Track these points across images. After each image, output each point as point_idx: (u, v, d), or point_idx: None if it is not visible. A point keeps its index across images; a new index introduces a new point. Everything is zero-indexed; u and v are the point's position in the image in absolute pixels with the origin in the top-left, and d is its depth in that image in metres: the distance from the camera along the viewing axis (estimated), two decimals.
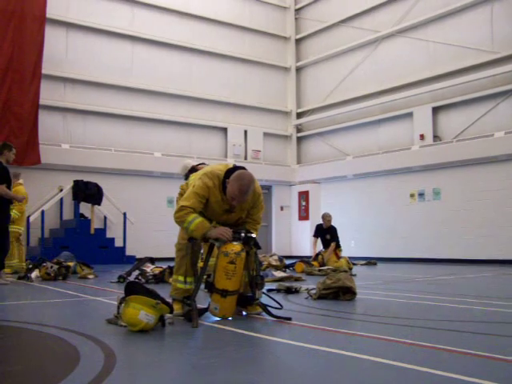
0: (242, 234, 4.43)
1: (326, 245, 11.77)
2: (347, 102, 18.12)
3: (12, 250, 9.45)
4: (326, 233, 11.84)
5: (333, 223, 12.05)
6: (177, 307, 4.49)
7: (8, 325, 4.35)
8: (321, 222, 12.16)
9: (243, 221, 4.70)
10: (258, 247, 4.58)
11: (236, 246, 4.31)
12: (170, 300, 4.31)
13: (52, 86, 15.22)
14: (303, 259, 11.51)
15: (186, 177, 8.16)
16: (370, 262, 14.12)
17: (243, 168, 4.54)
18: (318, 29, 19.34)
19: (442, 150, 14.81)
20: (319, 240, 11.99)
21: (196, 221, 4.31)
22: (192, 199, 4.39)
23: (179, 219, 4.37)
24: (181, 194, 7.82)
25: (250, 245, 4.48)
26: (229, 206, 4.49)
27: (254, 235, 4.51)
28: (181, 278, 4.60)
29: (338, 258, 11.36)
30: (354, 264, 12.12)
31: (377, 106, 17.14)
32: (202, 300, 5.23)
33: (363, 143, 17.56)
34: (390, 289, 7.20)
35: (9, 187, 7.89)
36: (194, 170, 7.95)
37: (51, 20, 15.03)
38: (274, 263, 10.88)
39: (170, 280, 7.71)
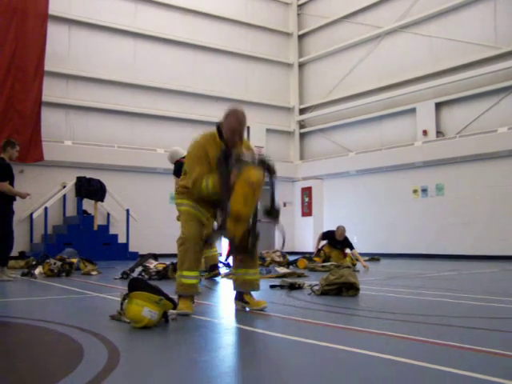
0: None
1: (337, 249, 11.46)
2: (350, 98, 18.10)
3: None
4: (339, 243, 11.39)
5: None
6: (183, 305, 4.43)
7: (12, 321, 4.37)
8: (330, 228, 11.88)
9: None
10: (274, 172, 4.62)
11: (257, 173, 4.38)
12: (174, 297, 4.30)
13: (55, 82, 15.23)
14: (306, 255, 11.48)
15: (175, 171, 8.36)
16: (374, 257, 14.11)
17: None
18: (320, 25, 19.31)
19: (445, 146, 14.78)
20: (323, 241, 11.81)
21: (210, 180, 4.46)
22: (195, 169, 4.54)
23: (198, 190, 4.52)
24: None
25: (271, 170, 4.57)
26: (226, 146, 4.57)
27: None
28: (185, 273, 4.55)
29: (344, 255, 11.30)
30: (357, 260, 12.09)
31: (379, 102, 17.11)
32: (205, 296, 5.24)
33: (366, 139, 17.53)
34: (393, 285, 7.20)
35: (12, 184, 7.91)
36: (179, 163, 8.19)
37: (53, 17, 15.03)
38: (277, 259, 10.88)
39: (175, 275, 7.74)
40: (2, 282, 7.66)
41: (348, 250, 11.47)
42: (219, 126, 4.58)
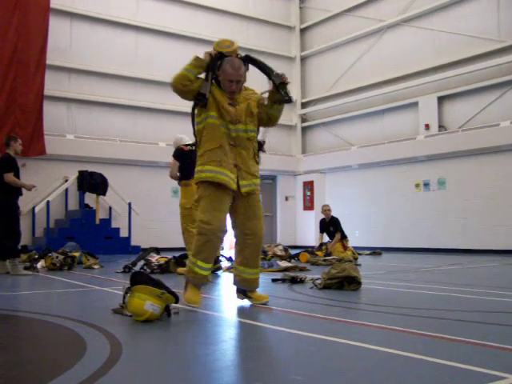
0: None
1: (331, 237, 11.71)
2: (352, 92, 18.06)
3: None
4: (329, 225, 11.77)
5: (338, 213, 12.02)
6: (191, 295, 4.37)
7: (14, 314, 4.38)
8: (323, 216, 12.09)
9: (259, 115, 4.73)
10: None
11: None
12: (176, 291, 4.29)
13: (56, 76, 15.23)
14: (308, 249, 11.51)
15: (175, 154, 8.36)
16: (375, 251, 14.13)
17: None
18: (322, 18, 19.24)
19: (447, 140, 14.76)
20: (325, 235, 11.95)
21: (189, 61, 4.50)
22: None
23: (176, 77, 4.49)
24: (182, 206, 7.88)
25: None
26: (230, 99, 4.53)
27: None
28: (200, 264, 4.42)
29: (345, 248, 11.34)
30: (358, 254, 12.12)
31: (382, 96, 17.07)
32: (207, 290, 5.26)
33: (368, 133, 17.51)
34: (395, 278, 7.21)
35: (17, 176, 7.94)
36: (180, 150, 8.23)
37: (55, 10, 15.01)
38: (278, 253, 10.92)
39: (178, 270, 7.78)
40: (19, 275, 7.72)
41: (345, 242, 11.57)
42: (216, 78, 4.57)
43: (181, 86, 4.47)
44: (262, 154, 4.95)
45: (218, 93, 4.53)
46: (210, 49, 4.66)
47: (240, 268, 4.71)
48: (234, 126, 4.50)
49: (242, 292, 4.78)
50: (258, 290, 4.84)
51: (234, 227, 4.75)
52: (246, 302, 4.75)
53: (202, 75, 4.57)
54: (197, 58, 4.51)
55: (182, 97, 4.58)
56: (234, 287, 4.89)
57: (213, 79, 4.52)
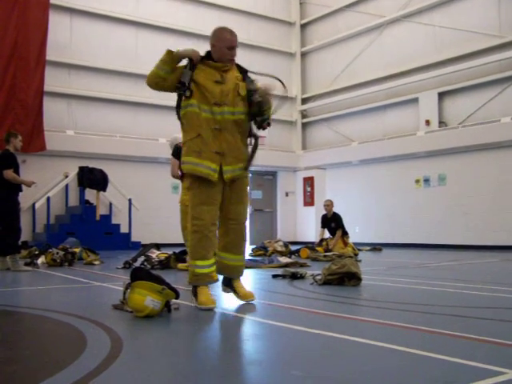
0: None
1: (332, 233, 11.73)
2: (352, 88, 18.03)
3: None
4: (331, 221, 11.79)
5: (338, 209, 12.03)
6: (203, 298, 4.21)
7: (15, 310, 4.38)
8: (324, 211, 12.12)
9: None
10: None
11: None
12: (177, 286, 4.28)
13: (56, 72, 15.20)
14: (308, 245, 11.52)
15: (174, 152, 8.27)
16: (375, 247, 14.13)
17: None
18: (323, 14, 19.19)
19: (448, 136, 14.74)
20: (326, 230, 11.97)
21: (161, 57, 4.32)
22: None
23: (149, 76, 4.35)
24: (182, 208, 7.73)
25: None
26: (219, 75, 4.32)
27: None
28: (199, 263, 4.26)
29: (345, 244, 11.35)
30: (359, 250, 12.13)
31: (382, 92, 17.05)
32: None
33: (368, 129, 17.49)
34: (395, 274, 7.21)
35: (16, 172, 7.94)
36: (179, 147, 8.13)
37: (55, 6, 14.97)
38: (279, 249, 10.93)
39: (178, 266, 7.78)
40: (19, 271, 7.73)
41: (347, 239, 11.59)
42: (209, 52, 4.39)
43: (154, 85, 4.37)
44: (260, 148, 4.76)
45: (203, 74, 4.31)
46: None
47: (222, 254, 4.52)
48: (219, 109, 4.26)
49: (228, 285, 4.64)
50: (245, 286, 4.69)
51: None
52: (231, 296, 4.64)
53: (184, 62, 4.36)
54: (168, 53, 4.29)
55: (162, 91, 4.50)
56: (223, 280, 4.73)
57: (194, 67, 4.32)
